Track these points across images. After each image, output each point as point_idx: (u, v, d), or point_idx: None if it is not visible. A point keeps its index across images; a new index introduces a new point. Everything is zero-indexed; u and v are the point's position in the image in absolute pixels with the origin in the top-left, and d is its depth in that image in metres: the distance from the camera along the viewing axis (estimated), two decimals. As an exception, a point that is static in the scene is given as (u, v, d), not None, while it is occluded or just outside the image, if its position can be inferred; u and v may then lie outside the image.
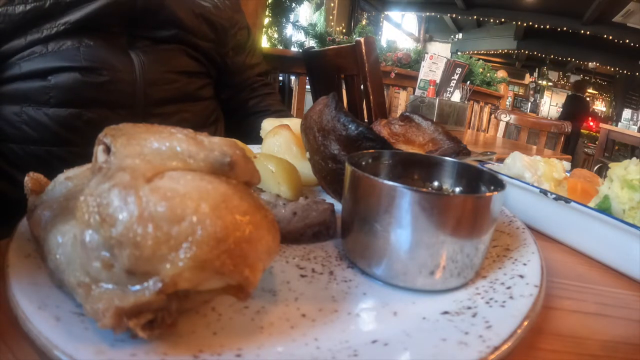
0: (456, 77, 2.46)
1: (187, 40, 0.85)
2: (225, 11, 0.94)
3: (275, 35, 3.15)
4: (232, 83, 1.03)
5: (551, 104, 11.28)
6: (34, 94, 0.69)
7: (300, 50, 2.40)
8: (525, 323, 0.29)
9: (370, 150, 0.44)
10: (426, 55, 2.60)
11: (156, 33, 0.80)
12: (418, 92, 2.45)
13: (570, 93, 7.68)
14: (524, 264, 0.39)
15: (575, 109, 6.45)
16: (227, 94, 1.03)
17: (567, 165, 0.68)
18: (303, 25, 3.22)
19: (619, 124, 6.35)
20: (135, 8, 0.76)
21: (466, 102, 2.52)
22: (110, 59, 0.73)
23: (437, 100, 2.23)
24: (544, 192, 0.53)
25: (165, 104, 0.81)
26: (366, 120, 1.48)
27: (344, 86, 1.66)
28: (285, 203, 0.45)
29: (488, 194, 0.35)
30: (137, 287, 0.23)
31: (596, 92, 12.21)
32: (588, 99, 7.36)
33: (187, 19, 0.84)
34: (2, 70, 0.70)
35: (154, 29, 0.80)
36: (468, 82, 3.08)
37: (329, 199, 0.49)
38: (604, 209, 0.51)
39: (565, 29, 8.52)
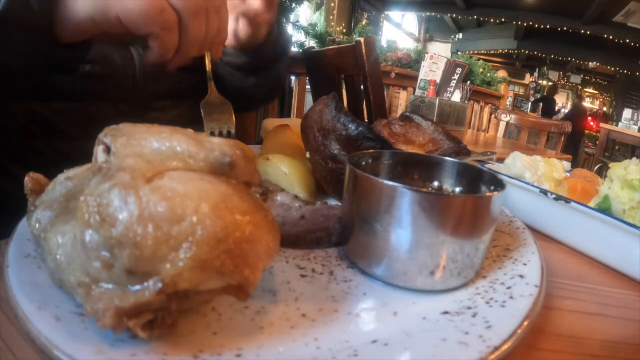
0: (456, 77, 2.46)
1: None
2: None
3: (276, 35, 3.14)
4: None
5: (551, 104, 11.28)
6: (35, 87, 0.70)
7: (300, 50, 2.40)
8: (525, 323, 0.29)
9: (370, 150, 0.44)
10: (426, 55, 2.60)
11: None
12: (418, 92, 2.45)
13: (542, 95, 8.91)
14: (524, 264, 0.39)
15: (549, 108, 7.74)
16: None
17: (567, 165, 0.68)
18: (303, 25, 3.21)
19: (620, 123, 6.37)
20: None
21: (466, 102, 2.52)
22: (111, 53, 0.74)
23: (437, 100, 2.23)
24: (544, 192, 0.53)
25: (163, 98, 0.82)
26: (366, 120, 1.48)
27: (344, 86, 1.66)
28: (301, 205, 0.44)
29: (488, 194, 0.35)
30: (137, 287, 0.23)
31: (596, 92, 12.21)
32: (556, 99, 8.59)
33: None
34: None
35: None
36: (468, 82, 3.08)
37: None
38: (604, 209, 0.51)
39: (565, 28, 8.52)
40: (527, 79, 11.77)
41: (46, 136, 0.71)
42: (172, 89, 0.84)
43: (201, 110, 0.63)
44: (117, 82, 0.75)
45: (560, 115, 8.42)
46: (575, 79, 12.18)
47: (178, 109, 0.85)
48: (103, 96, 0.74)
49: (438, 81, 2.38)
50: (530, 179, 0.59)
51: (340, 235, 0.41)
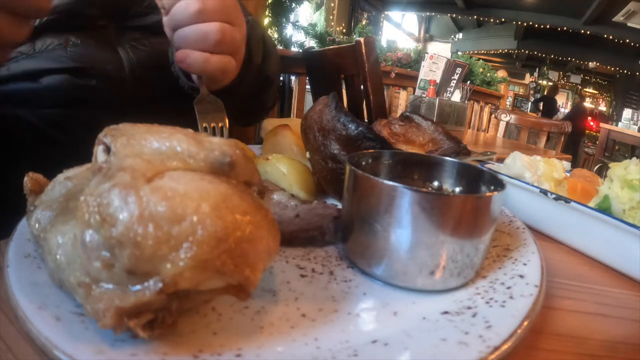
0: (456, 77, 2.46)
1: None
2: None
3: (275, 35, 3.15)
4: None
5: (551, 104, 11.28)
6: (24, 95, 0.68)
7: (300, 50, 2.40)
8: (525, 323, 0.29)
9: (370, 150, 0.44)
10: (426, 55, 2.60)
11: (145, 20, 0.76)
12: (418, 92, 2.45)
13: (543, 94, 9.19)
14: (524, 264, 0.39)
15: (550, 108, 7.90)
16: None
17: (567, 165, 0.68)
18: (303, 25, 3.22)
19: (620, 123, 6.39)
20: None
21: (466, 102, 2.52)
22: (97, 58, 0.71)
23: (437, 100, 2.23)
24: (544, 192, 0.53)
25: (156, 102, 0.80)
26: (366, 120, 1.48)
27: (344, 86, 1.66)
28: (297, 204, 0.44)
29: (488, 194, 0.35)
30: (138, 287, 0.23)
31: (596, 92, 12.22)
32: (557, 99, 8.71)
33: None
34: None
35: (142, 16, 0.76)
36: (468, 82, 3.08)
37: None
38: (604, 209, 0.51)
39: (565, 28, 8.53)
40: (527, 79, 11.78)
41: (36, 144, 0.69)
42: (164, 92, 0.82)
43: (195, 108, 0.62)
44: (106, 87, 0.71)
45: (560, 115, 8.44)
46: (575, 79, 12.18)
47: (173, 112, 0.83)
48: (92, 103, 0.71)
49: (438, 81, 2.38)
50: (530, 179, 0.59)
51: (334, 234, 0.41)
